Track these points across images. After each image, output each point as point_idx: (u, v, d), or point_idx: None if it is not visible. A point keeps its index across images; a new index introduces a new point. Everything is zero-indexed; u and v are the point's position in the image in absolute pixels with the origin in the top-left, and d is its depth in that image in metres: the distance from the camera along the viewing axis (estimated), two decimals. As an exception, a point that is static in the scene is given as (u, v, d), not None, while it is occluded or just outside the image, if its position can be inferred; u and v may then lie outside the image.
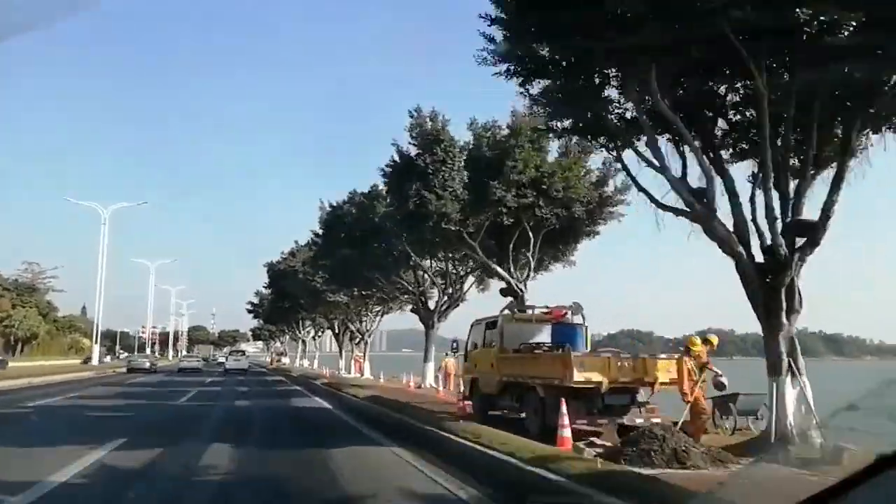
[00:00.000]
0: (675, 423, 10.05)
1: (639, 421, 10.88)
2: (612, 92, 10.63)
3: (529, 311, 15.32)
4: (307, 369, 51.15)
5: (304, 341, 66.19)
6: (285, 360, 75.31)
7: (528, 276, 20.50)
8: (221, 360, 67.28)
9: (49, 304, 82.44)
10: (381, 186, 23.78)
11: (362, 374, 36.99)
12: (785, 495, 1.41)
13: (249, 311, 75.30)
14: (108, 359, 79.53)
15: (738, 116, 10.84)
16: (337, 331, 47.13)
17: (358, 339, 42.05)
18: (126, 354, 76.26)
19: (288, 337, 79.03)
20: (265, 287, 56.60)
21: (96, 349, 64.36)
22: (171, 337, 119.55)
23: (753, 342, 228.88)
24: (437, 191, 17.47)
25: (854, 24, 7.69)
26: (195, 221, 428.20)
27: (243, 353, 59.49)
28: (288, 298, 48.32)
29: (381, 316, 40.31)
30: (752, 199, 10.40)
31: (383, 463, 9.49)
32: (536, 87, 10.91)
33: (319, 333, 63.09)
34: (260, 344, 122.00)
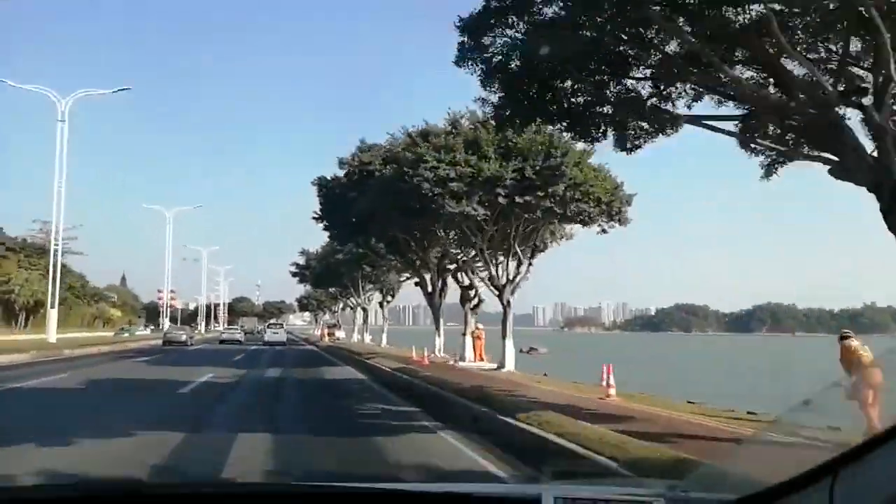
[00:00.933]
0: None
1: None
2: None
3: None
4: (375, 347, 38.57)
5: (363, 309, 55.28)
6: (339, 333, 61.42)
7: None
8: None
9: (65, 268, 65.38)
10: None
11: (481, 359, 24.94)
12: (795, 462, 1.38)
13: (294, 275, 65.28)
14: (147, 331, 75.93)
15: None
16: (434, 283, 29.79)
17: (475, 301, 27.65)
18: (169, 325, 71.19)
19: (341, 306, 70.78)
20: (317, 215, 31.17)
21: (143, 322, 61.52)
22: (210, 309, 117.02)
23: (818, 317, 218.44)
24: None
25: None
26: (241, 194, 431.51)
27: (281, 325, 61.37)
28: (357, 233, 29.26)
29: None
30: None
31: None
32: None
33: (389, 297, 52.20)
34: (307, 315, 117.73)
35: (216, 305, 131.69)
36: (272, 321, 72.47)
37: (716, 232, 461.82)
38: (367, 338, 51.54)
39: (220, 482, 3.75)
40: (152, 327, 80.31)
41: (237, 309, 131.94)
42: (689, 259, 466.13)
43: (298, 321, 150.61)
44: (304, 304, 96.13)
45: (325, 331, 63.90)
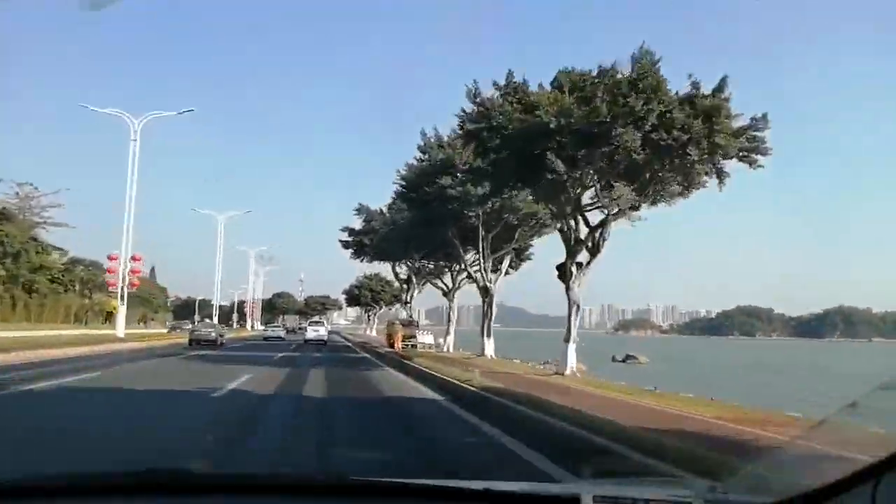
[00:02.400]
0: None
1: None
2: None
3: None
4: (490, 363, 24.39)
5: (485, 289, 30.29)
6: (424, 338, 36.78)
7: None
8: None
9: (37, 244, 52.69)
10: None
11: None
12: (838, 466, 1.41)
13: (347, 246, 47.66)
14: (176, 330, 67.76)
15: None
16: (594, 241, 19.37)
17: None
18: (198, 320, 62.29)
19: (414, 295, 47.98)
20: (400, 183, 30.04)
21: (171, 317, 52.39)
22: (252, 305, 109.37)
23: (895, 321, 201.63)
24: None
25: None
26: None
27: (322, 322, 58.64)
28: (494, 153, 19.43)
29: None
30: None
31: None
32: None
33: (513, 266, 34.74)
34: (351, 313, 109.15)
35: (259, 301, 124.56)
36: (314, 318, 72.25)
37: (777, 232, 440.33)
38: (489, 348, 28.91)
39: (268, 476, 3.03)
40: (176, 324, 70.76)
41: (277, 305, 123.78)
42: (746, 261, 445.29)
43: (342, 320, 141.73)
44: (354, 297, 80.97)
45: (399, 332, 36.55)
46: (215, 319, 62.38)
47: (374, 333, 71.25)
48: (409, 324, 38.86)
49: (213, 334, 41.99)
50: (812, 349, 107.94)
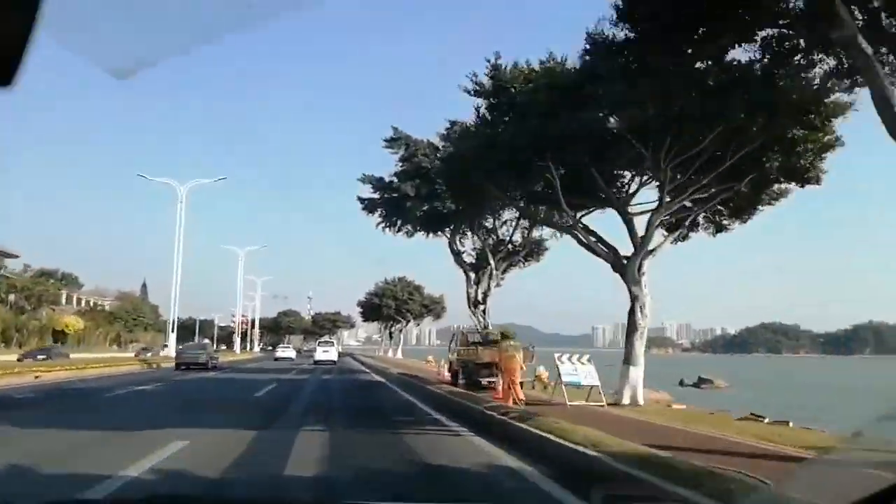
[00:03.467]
0: None
1: None
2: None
3: None
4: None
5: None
6: (571, 370, 14.30)
7: None
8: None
9: None
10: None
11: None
12: (846, 493, 1.36)
13: (370, 208, 26.73)
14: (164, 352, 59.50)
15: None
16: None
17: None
18: (184, 344, 54.16)
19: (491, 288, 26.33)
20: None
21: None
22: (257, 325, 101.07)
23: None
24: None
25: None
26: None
27: (332, 343, 56.84)
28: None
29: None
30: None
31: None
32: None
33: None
34: (364, 332, 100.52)
35: (258, 322, 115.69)
36: (323, 338, 65.38)
37: (798, 248, 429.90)
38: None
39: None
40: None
41: (283, 324, 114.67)
42: (766, 277, 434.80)
43: (353, 341, 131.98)
44: (372, 309, 66.86)
45: (506, 359, 14.10)
46: (212, 342, 54.09)
47: (398, 356, 59.64)
48: (497, 342, 16.29)
49: (203, 357, 36.84)
50: (866, 366, 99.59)
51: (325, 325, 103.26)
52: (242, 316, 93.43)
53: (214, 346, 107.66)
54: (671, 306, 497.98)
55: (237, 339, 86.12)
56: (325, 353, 45.80)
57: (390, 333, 69.65)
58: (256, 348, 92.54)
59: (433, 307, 65.82)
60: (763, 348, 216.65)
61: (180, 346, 44.89)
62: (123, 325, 74.73)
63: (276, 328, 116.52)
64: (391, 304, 63.18)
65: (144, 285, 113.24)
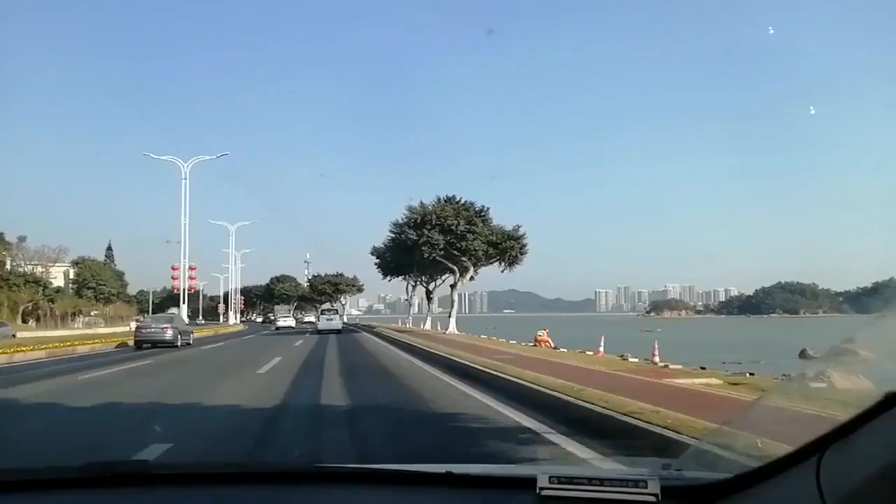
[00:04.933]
0: None
1: None
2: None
3: None
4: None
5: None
6: None
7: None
8: (310, 320, 67.75)
9: None
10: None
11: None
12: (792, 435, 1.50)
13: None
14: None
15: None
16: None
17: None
18: (147, 316, 43.69)
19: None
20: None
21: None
22: (246, 293, 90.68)
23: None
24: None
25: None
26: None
27: (336, 311, 53.93)
28: None
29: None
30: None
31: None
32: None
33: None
34: (366, 301, 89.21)
35: (247, 289, 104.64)
36: (325, 307, 63.74)
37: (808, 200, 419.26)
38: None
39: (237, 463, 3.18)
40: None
41: (277, 291, 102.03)
42: (772, 236, 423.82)
43: (353, 310, 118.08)
44: (398, 250, 43.56)
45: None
46: (183, 313, 42.56)
47: (452, 329, 40.45)
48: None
49: (169, 333, 28.01)
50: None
51: (326, 289, 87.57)
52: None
53: (201, 317, 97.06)
54: (673, 270, 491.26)
55: (222, 308, 75.43)
56: (329, 321, 45.09)
57: (428, 293, 49.93)
58: (233, 319, 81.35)
59: (508, 246, 40.73)
60: (780, 309, 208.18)
61: (140, 318, 34.27)
62: (76, 294, 64.07)
63: (269, 296, 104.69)
64: (435, 241, 38.97)
65: (110, 248, 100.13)
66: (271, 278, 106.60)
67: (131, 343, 28.38)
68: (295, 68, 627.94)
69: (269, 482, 1.99)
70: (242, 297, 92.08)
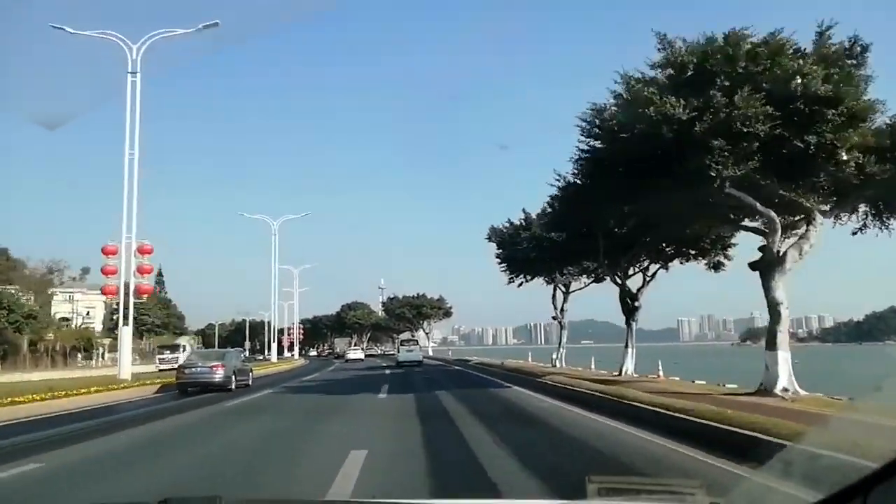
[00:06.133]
0: None
1: None
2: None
3: None
4: None
5: None
6: None
7: None
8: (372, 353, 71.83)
9: None
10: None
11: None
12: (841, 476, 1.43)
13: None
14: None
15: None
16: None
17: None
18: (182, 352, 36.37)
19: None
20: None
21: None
22: (316, 324, 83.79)
23: None
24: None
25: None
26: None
27: (416, 342, 51.25)
28: None
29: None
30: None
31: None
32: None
33: None
34: (440, 333, 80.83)
35: (316, 319, 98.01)
36: (404, 337, 56.74)
37: None
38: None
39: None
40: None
41: (349, 320, 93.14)
42: (868, 257, 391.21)
43: (429, 342, 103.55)
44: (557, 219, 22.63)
45: None
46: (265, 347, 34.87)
47: (629, 369, 22.84)
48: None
49: (219, 374, 21.66)
50: None
51: (405, 313, 75.44)
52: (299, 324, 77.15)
53: (266, 352, 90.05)
54: (759, 294, 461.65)
55: (274, 346, 68.52)
56: (409, 352, 42.80)
57: (561, 310, 32.21)
58: (287, 354, 74.40)
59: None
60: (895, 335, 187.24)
61: (163, 353, 26.89)
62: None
63: (340, 325, 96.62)
64: (752, 114, 12.88)
65: (160, 274, 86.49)
66: (342, 306, 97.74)
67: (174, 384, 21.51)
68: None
69: None
70: (302, 328, 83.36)
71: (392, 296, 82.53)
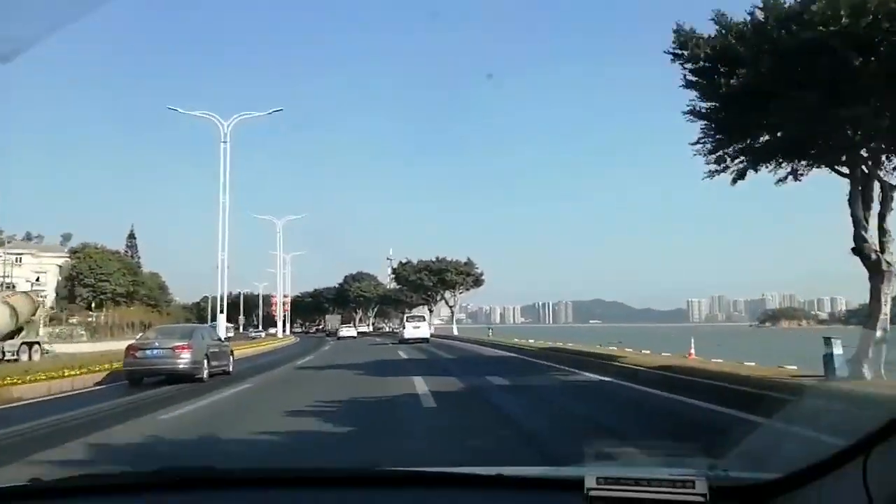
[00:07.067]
0: None
1: None
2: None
3: None
4: None
5: None
6: None
7: None
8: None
9: None
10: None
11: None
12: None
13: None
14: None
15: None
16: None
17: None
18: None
19: None
20: None
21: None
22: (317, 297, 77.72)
23: None
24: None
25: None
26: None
27: (423, 318, 48.04)
28: None
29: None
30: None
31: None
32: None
33: None
34: (445, 311, 70.95)
35: (317, 292, 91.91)
36: (411, 313, 52.57)
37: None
38: None
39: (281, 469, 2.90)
40: None
41: (353, 293, 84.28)
42: None
43: (436, 319, 76.96)
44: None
45: None
46: (221, 326, 27.66)
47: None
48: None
49: (185, 358, 15.82)
50: None
51: (423, 280, 60.96)
52: (285, 296, 70.19)
53: (260, 326, 78.30)
54: (771, 275, 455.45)
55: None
56: (416, 329, 41.76)
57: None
58: (276, 331, 66.81)
59: None
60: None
61: (140, 335, 20.77)
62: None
63: (341, 299, 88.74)
64: None
65: (132, 236, 77.94)
66: (345, 277, 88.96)
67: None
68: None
69: (330, 485, 2.10)
70: (287, 300, 74.12)
71: (405, 259, 68.07)
